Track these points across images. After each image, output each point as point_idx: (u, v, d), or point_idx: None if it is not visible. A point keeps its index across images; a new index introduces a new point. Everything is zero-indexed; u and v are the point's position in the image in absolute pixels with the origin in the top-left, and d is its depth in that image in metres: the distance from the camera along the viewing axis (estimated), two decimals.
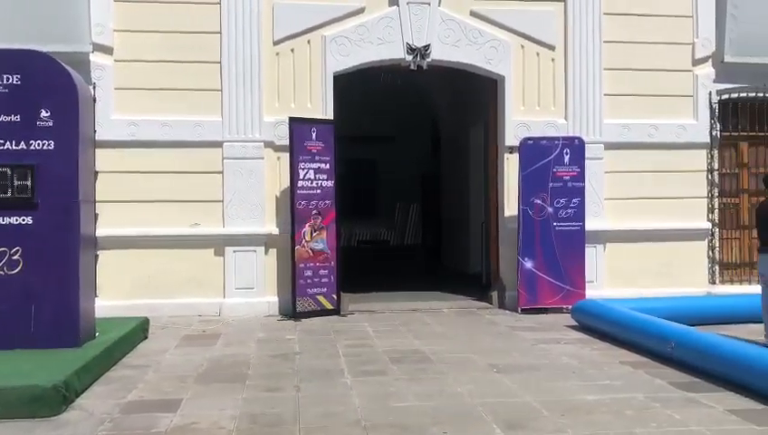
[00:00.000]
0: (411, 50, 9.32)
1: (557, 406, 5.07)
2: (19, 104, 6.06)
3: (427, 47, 9.31)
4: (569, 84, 9.57)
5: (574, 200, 9.23)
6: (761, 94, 9.87)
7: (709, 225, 9.81)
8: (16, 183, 6.03)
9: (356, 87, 11.53)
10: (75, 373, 5.24)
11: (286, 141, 8.90)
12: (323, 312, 8.94)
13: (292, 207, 8.83)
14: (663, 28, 9.69)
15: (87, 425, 4.66)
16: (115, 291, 8.69)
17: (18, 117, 6.07)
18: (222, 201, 9.05)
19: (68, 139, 6.16)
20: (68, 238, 6.15)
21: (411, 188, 18.21)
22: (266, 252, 9.10)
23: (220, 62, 9.07)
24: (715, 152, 9.84)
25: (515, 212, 9.37)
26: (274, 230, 9.11)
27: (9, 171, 6.02)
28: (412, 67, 9.46)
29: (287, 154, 8.91)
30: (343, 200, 9.57)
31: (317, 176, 8.99)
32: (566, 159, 9.24)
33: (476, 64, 9.53)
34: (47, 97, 6.10)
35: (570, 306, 8.62)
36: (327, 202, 9.06)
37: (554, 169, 9.23)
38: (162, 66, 8.93)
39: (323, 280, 9.01)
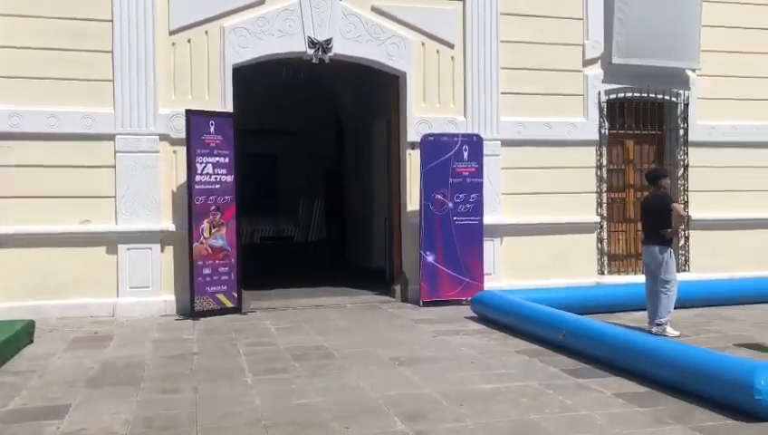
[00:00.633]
0: (313, 44, 9.24)
1: (456, 396, 5.18)
2: None
3: (328, 41, 9.26)
4: (467, 82, 9.78)
5: (473, 195, 9.45)
6: (645, 95, 10.46)
7: (598, 218, 10.30)
8: None
9: (257, 80, 11.32)
10: None
11: (183, 134, 8.62)
12: (224, 310, 8.73)
13: (190, 203, 8.56)
14: (556, 30, 10.08)
15: None
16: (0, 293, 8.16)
17: None
18: (114, 197, 8.65)
19: None
20: None
21: (315, 183, 18.11)
22: (162, 249, 8.78)
23: (112, 52, 8.66)
24: (604, 149, 10.34)
25: (417, 207, 9.50)
26: (171, 227, 8.80)
27: None
28: (314, 61, 9.39)
29: (184, 148, 8.63)
30: (244, 196, 9.36)
31: (216, 170, 8.76)
32: (465, 155, 9.45)
33: (378, 60, 9.58)
34: None
35: (469, 298, 8.84)
36: (227, 197, 8.85)
37: (454, 166, 9.42)
38: (49, 54, 8.42)
39: (223, 278, 8.80)
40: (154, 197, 8.72)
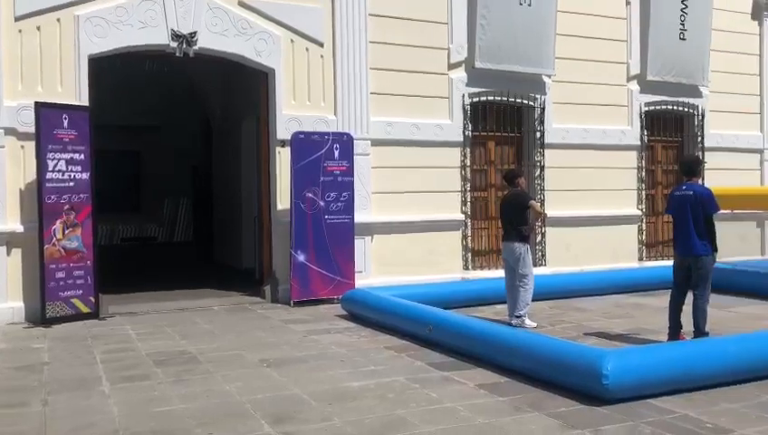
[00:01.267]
0: (176, 36, 8.88)
1: (325, 395, 5.17)
2: None
3: (193, 34, 8.94)
4: (337, 81, 9.80)
5: (344, 194, 9.49)
6: (505, 98, 10.95)
7: (463, 216, 10.67)
8: None
9: (118, 72, 10.77)
10: None
11: (31, 128, 7.99)
12: (79, 316, 8.19)
13: (40, 202, 7.95)
14: (423, 33, 10.32)
15: None
16: None
17: None
18: None
19: None
20: None
21: (181, 181, 17.48)
22: (9, 252, 8.10)
23: None
24: (468, 150, 10.72)
25: (288, 206, 9.39)
26: (18, 228, 8.14)
27: None
28: (178, 54, 9.02)
29: (33, 143, 8.00)
30: (104, 194, 8.86)
31: (70, 167, 8.19)
32: (336, 154, 9.46)
33: (246, 56, 9.37)
34: None
35: (340, 297, 8.86)
36: (82, 196, 8.30)
37: (325, 164, 9.40)
38: None
39: (78, 281, 8.25)
40: None
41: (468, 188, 10.75)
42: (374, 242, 10.00)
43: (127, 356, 6.50)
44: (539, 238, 11.05)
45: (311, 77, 9.71)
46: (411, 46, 10.23)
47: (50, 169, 8.01)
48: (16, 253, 8.16)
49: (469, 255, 10.74)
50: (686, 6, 11.87)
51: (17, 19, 8.19)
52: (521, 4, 10.58)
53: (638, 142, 11.93)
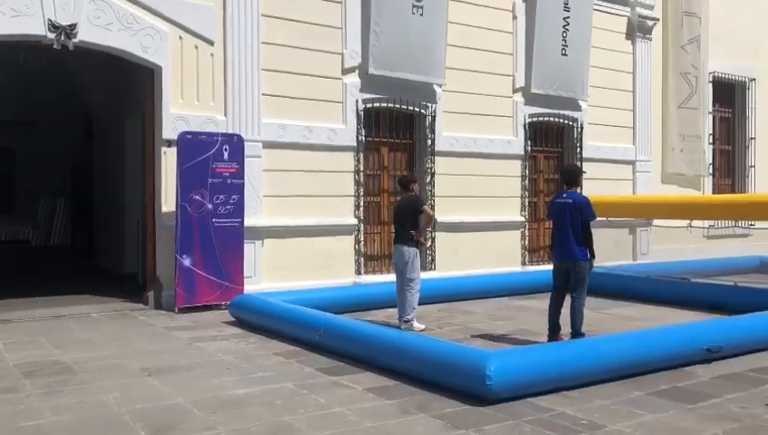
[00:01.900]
0: (54, 27, 8.37)
1: (209, 404, 5.01)
2: None
3: (73, 26, 8.45)
4: (228, 81, 9.57)
5: (234, 197, 9.26)
6: (398, 105, 11.10)
7: (356, 220, 10.71)
8: None
9: None
10: None
11: None
12: None
13: None
14: (317, 36, 10.27)
15: None
16: None
17: None
18: None
19: None
20: None
21: (59, 180, 16.49)
22: None
23: None
24: (361, 155, 10.78)
25: (174, 208, 9.06)
26: None
27: None
28: (56, 47, 8.51)
29: None
30: None
31: None
32: (226, 155, 9.23)
33: (131, 51, 8.97)
34: None
35: (228, 302, 8.64)
36: None
37: (214, 166, 9.14)
38: None
39: None
40: None
41: (361, 193, 10.79)
42: (265, 246, 9.83)
43: None
44: (429, 243, 11.26)
45: (200, 76, 9.43)
46: (305, 49, 10.17)
47: None
48: None
49: (362, 259, 10.78)
50: (568, 24, 12.52)
51: None
52: (413, 13, 10.77)
53: (522, 152, 12.44)
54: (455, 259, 11.41)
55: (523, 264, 12.42)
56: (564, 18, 12.48)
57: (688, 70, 14.68)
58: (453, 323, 8.27)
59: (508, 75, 12.29)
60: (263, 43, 9.81)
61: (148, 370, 5.97)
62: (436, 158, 11.43)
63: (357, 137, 10.67)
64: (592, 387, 5.43)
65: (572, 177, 7.26)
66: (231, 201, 9.23)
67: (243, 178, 9.35)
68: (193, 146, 8.99)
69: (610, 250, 12.04)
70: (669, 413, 4.83)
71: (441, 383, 5.37)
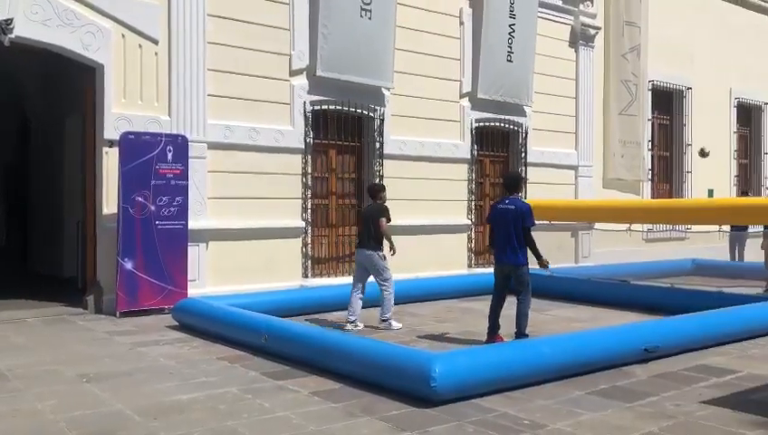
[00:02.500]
0: None
1: (150, 410, 4.90)
2: None
3: (8, 21, 8.16)
4: (173, 81, 9.40)
5: (177, 199, 9.09)
6: (347, 108, 11.10)
7: (303, 223, 10.64)
8: None
9: None
10: None
11: None
12: None
13: None
14: (264, 37, 10.19)
15: None
16: None
17: None
18: None
19: None
20: None
21: None
22: None
23: None
24: (309, 157, 10.72)
25: (115, 210, 8.84)
26: None
27: None
28: None
29: None
30: None
31: None
32: (169, 156, 9.05)
33: (71, 49, 8.72)
34: None
35: (171, 307, 8.47)
36: None
37: (157, 167, 8.96)
38: None
39: None
40: None
41: (309, 196, 10.74)
42: (210, 249, 9.68)
43: None
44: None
45: (143, 75, 9.24)
46: (252, 50, 10.08)
47: None
48: None
49: (309, 262, 10.72)
50: (514, 31, 12.75)
51: None
52: (362, 16, 10.79)
53: (469, 156, 12.59)
54: (402, 262, 11.33)
55: (470, 266, 12.57)
56: (510, 25, 12.70)
57: (629, 78, 15.13)
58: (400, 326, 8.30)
59: (455, 80, 12.43)
60: (209, 43, 9.68)
61: (87, 376, 5.80)
62: (385, 161, 11.47)
63: (304, 139, 10.62)
64: (535, 387, 5.54)
65: (515, 184, 7.43)
66: (175, 203, 9.06)
67: (187, 180, 9.19)
68: (135, 146, 8.79)
69: (553, 253, 12.26)
70: (608, 412, 4.96)
71: (387, 386, 5.38)
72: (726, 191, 17.16)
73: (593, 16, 14.54)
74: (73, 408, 4.93)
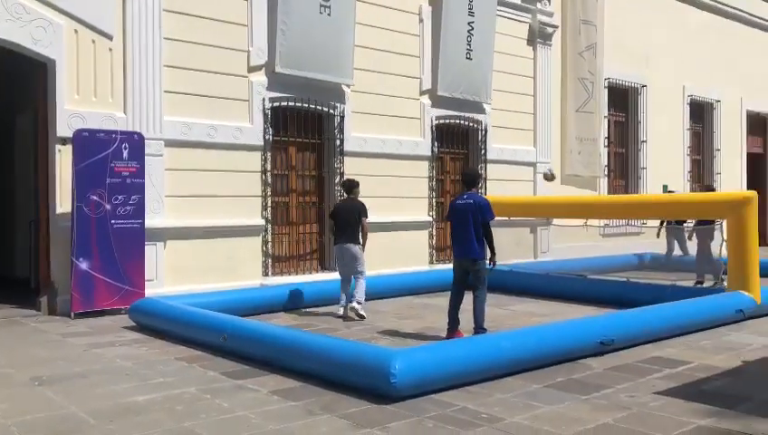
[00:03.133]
0: None
1: (106, 412, 4.82)
2: None
3: None
4: (128, 77, 9.23)
5: (134, 197, 8.93)
6: (307, 105, 11.03)
7: (263, 221, 10.55)
8: None
9: None
10: None
11: None
12: None
13: None
14: (222, 33, 10.06)
15: None
16: None
17: None
18: None
19: None
20: None
21: None
22: None
23: None
24: (269, 155, 10.63)
25: (69, 209, 8.65)
26: None
27: None
28: None
29: None
30: None
31: None
32: (125, 154, 8.88)
33: (20, 43, 8.49)
34: None
35: (128, 307, 8.33)
36: None
37: (113, 164, 8.79)
38: None
39: None
40: None
41: (269, 193, 10.65)
42: (167, 248, 9.54)
43: None
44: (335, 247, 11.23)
45: (97, 71, 9.05)
46: (210, 46, 9.95)
47: None
48: None
49: (269, 260, 10.64)
50: (473, 29, 12.84)
51: None
52: (321, 12, 10.74)
53: (430, 153, 12.65)
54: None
55: (431, 263, 12.64)
56: (469, 23, 12.79)
57: (585, 76, 15.38)
58: (360, 323, 8.30)
59: (415, 78, 12.46)
60: (165, 38, 9.52)
61: (39, 379, 5.67)
62: (345, 158, 11.44)
63: (264, 136, 10.53)
64: (494, 381, 5.60)
65: (473, 179, 7.52)
66: (131, 202, 8.90)
67: (143, 178, 9.03)
68: (90, 144, 8.61)
69: (512, 248, 12.47)
70: (565, 404, 5.04)
71: (347, 383, 5.38)
72: (680, 187, 17.58)
73: (551, 15, 14.73)
74: (25, 412, 4.81)
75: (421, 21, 12.52)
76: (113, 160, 8.77)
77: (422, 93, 12.56)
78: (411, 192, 12.39)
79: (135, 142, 8.96)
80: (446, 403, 5.06)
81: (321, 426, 4.58)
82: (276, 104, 10.72)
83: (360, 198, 8.99)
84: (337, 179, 11.32)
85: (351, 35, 11.18)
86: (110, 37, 9.12)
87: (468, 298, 7.25)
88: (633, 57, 16.71)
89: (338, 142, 11.42)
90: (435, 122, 12.73)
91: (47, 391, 5.36)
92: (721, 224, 9.27)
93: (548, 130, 14.73)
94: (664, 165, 17.26)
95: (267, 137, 10.59)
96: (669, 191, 13.01)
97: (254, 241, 10.50)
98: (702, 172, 19.25)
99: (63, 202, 8.79)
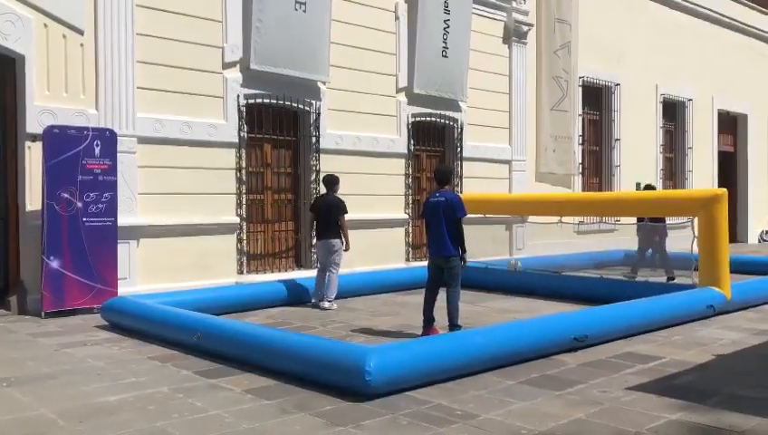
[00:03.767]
0: None
1: (76, 413, 4.74)
2: None
3: None
4: (100, 73, 9.09)
5: (106, 195, 8.81)
6: (282, 102, 10.97)
7: (238, 219, 10.48)
8: None
9: None
10: None
11: None
12: None
13: None
14: (196, 29, 9.96)
15: None
16: None
17: None
18: None
19: None
20: None
21: None
22: None
23: None
24: (243, 152, 10.55)
25: (39, 207, 8.51)
26: None
27: None
28: None
29: None
30: None
31: None
32: (97, 151, 8.76)
33: None
34: None
35: (100, 306, 8.21)
36: None
37: (84, 162, 8.66)
38: None
39: None
40: None
41: (244, 191, 10.57)
42: (141, 246, 9.43)
43: None
44: (314, 241, 11.20)
45: (68, 67, 8.90)
46: (184, 42, 9.84)
47: None
48: None
49: (244, 259, 10.57)
50: (448, 27, 12.87)
51: None
52: (296, 9, 10.68)
53: (406, 151, 12.65)
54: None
55: (407, 260, 12.65)
56: (445, 21, 12.81)
57: (560, 74, 15.50)
58: (336, 321, 8.28)
59: (391, 75, 12.45)
60: (138, 34, 9.39)
61: (8, 380, 5.57)
62: (321, 155, 11.40)
63: (239, 133, 10.45)
64: (468, 378, 5.62)
65: (445, 177, 7.54)
66: (103, 199, 8.78)
67: (116, 175, 8.92)
68: (60, 141, 8.47)
69: (488, 246, 12.54)
70: (538, 400, 5.08)
71: (322, 381, 5.36)
72: (653, 184, 17.79)
73: (526, 13, 14.82)
74: None
75: (397, 18, 12.52)
76: (85, 157, 8.64)
77: (398, 91, 12.55)
78: (387, 189, 12.38)
79: (107, 139, 8.84)
80: (420, 400, 5.07)
81: (295, 424, 4.56)
82: (251, 101, 10.64)
83: (337, 195, 9.18)
84: (313, 177, 11.28)
85: (327, 32, 11.13)
86: (81, 32, 8.98)
87: (443, 295, 7.28)
88: (607, 56, 16.88)
89: (313, 140, 11.37)
90: (411, 120, 12.74)
91: (15, 392, 5.26)
92: (692, 221, 9.40)
93: (523, 127, 14.81)
94: (637, 163, 17.46)
95: (242, 134, 10.51)
96: (648, 186, 13.15)
97: (229, 239, 10.42)
98: (674, 170, 19.52)
99: (33, 200, 8.64)
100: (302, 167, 11.40)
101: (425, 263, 12.05)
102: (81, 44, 9.01)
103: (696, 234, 9.08)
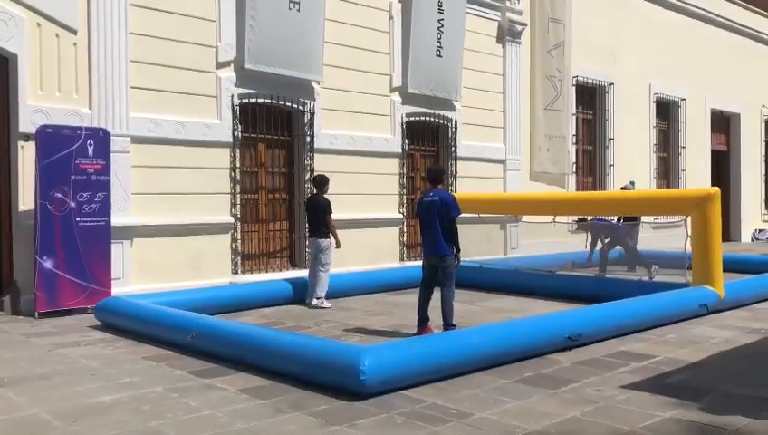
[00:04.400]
0: None
1: (70, 413, 4.73)
2: None
3: None
4: (93, 72, 9.06)
5: (99, 194, 8.79)
6: (276, 101, 10.96)
7: (232, 219, 10.46)
8: None
9: None
10: None
11: None
12: None
13: None
14: (189, 28, 9.94)
15: None
16: None
17: None
18: None
19: None
20: None
21: None
22: None
23: None
24: (237, 151, 10.54)
25: (32, 207, 8.48)
26: None
27: None
28: None
29: None
30: None
31: None
32: (90, 150, 8.73)
33: None
34: None
35: (94, 306, 8.19)
36: None
37: (77, 161, 8.63)
38: None
39: None
40: None
41: (238, 191, 10.56)
42: (134, 246, 9.40)
43: None
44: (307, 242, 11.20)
45: (61, 66, 8.87)
46: (177, 41, 9.82)
47: None
48: None
49: (238, 258, 10.55)
50: (442, 26, 12.87)
51: None
52: (290, 8, 10.67)
53: (400, 150, 12.65)
54: (335, 255, 11.39)
55: (402, 259, 12.66)
56: (439, 20, 12.82)
57: (554, 73, 15.53)
58: (331, 320, 8.28)
59: (386, 74, 12.45)
60: (131, 33, 9.37)
61: (1, 380, 5.54)
62: (316, 155, 11.39)
63: (233, 133, 10.43)
64: (463, 377, 5.62)
65: (437, 176, 7.54)
66: (96, 199, 8.75)
67: (109, 175, 8.89)
68: (53, 140, 8.44)
69: (482, 245, 12.56)
70: (533, 399, 5.09)
71: (317, 381, 5.36)
72: (647, 183, 17.88)
73: (519, 13, 14.84)
74: None
75: (391, 18, 12.52)
76: (78, 157, 8.62)
77: (392, 90, 12.55)
78: (382, 189, 12.38)
79: (100, 139, 8.81)
80: (415, 399, 5.07)
81: (290, 424, 4.56)
82: (245, 101, 10.63)
83: (329, 195, 9.24)
84: (307, 176, 11.27)
85: (321, 32, 11.13)
86: (74, 32, 8.95)
87: (438, 294, 7.28)
88: (600, 56, 16.93)
89: (308, 139, 11.36)
90: (405, 119, 12.74)
91: (9, 392, 5.24)
92: (685, 220, 9.43)
93: (517, 127, 14.84)
94: (631, 162, 17.51)
95: (236, 133, 10.49)
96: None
97: (223, 239, 10.40)
98: (668, 169, 19.58)
99: (26, 200, 8.61)
100: (296, 166, 11.39)
101: (419, 262, 12.06)
102: (75, 44, 8.98)
103: (690, 233, 9.11)
